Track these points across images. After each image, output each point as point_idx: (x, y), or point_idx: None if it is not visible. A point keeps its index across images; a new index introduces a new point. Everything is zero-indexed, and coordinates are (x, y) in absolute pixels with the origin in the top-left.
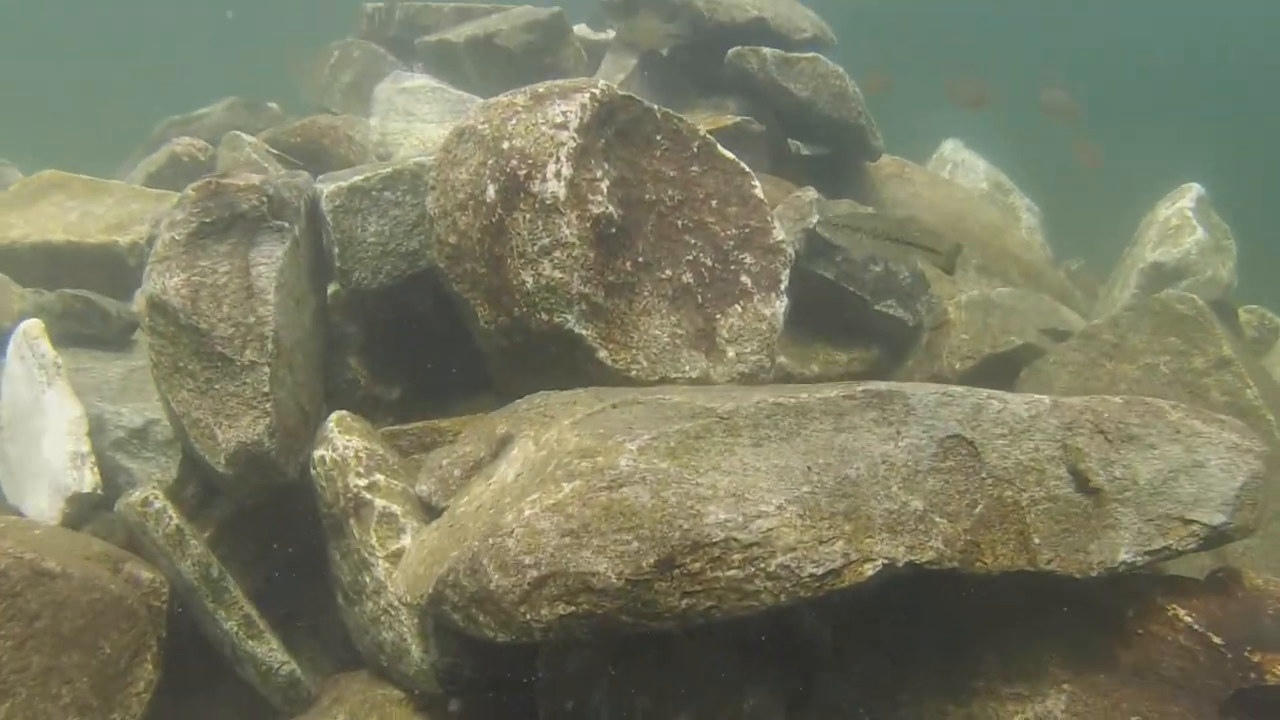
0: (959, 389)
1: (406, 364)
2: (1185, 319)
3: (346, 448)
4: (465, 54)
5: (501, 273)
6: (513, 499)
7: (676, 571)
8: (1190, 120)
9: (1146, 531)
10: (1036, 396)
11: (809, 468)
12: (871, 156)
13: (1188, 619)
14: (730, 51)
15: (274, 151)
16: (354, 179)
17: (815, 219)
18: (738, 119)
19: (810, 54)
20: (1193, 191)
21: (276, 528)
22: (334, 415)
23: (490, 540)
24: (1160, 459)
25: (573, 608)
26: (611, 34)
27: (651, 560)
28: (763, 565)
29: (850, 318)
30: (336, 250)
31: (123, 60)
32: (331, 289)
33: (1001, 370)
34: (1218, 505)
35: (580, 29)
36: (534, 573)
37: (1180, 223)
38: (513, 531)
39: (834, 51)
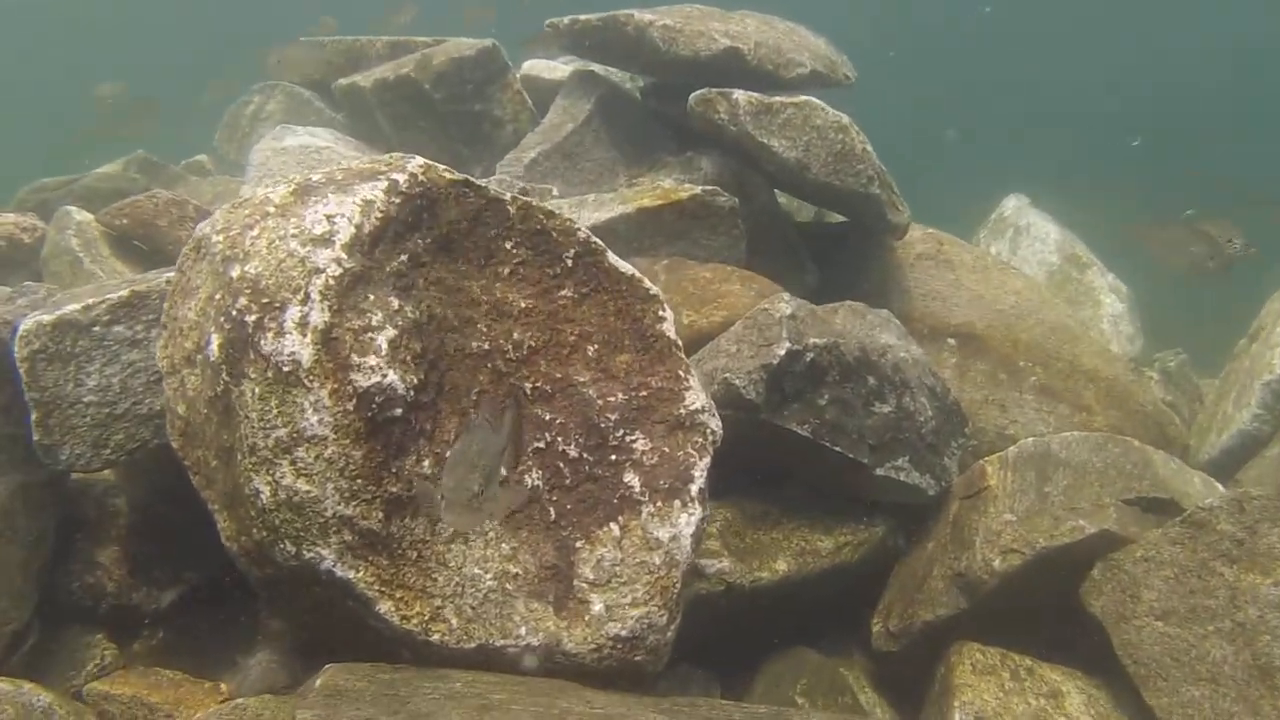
0: None
1: (197, 552)
2: None
3: None
4: (374, 101)
5: (233, 474)
6: None
7: None
8: None
9: None
10: None
11: None
12: (893, 233)
13: None
14: (692, 96)
15: (111, 233)
16: (69, 308)
17: (785, 347)
18: (696, 190)
19: (801, 98)
20: None
21: None
22: None
23: None
24: None
25: None
26: (568, 71)
27: None
28: None
29: (843, 482)
30: (35, 416)
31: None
32: None
33: (1062, 570)
34: None
35: (533, 66)
36: None
37: None
38: None
39: (851, 91)
